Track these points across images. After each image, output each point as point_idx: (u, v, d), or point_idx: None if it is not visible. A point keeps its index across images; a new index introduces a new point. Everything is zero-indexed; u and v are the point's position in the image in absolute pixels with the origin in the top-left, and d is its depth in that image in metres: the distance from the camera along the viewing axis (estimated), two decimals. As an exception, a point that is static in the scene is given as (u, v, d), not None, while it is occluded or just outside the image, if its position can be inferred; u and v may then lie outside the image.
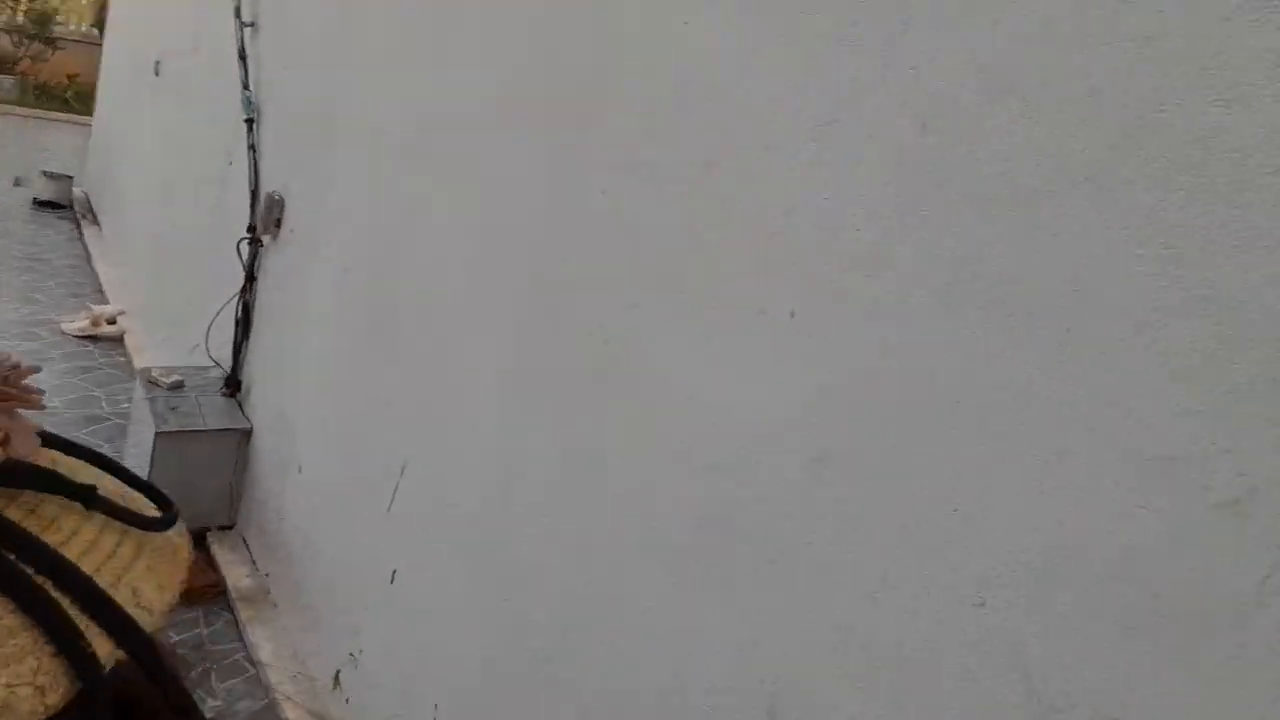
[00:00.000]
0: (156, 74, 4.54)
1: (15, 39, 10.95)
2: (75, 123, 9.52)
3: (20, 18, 11.04)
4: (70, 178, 6.46)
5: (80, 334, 4.10)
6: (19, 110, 9.58)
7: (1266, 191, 0.67)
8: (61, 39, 11.48)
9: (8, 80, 10.39)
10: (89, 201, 6.45)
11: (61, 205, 6.31)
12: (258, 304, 2.79)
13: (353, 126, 2.25)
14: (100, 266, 5.05)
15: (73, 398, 3.50)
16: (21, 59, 10.94)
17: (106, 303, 4.47)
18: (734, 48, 1.12)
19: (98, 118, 6.93)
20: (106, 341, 4.14)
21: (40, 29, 11.06)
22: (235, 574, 2.57)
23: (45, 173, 6.36)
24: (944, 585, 0.86)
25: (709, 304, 1.14)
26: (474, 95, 1.71)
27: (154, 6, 4.87)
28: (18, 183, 6.47)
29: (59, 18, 11.55)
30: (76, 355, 3.91)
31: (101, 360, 3.93)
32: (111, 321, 4.22)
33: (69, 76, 11.08)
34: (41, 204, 6.25)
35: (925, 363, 0.89)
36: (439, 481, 1.75)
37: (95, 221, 5.98)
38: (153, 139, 4.56)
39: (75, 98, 10.62)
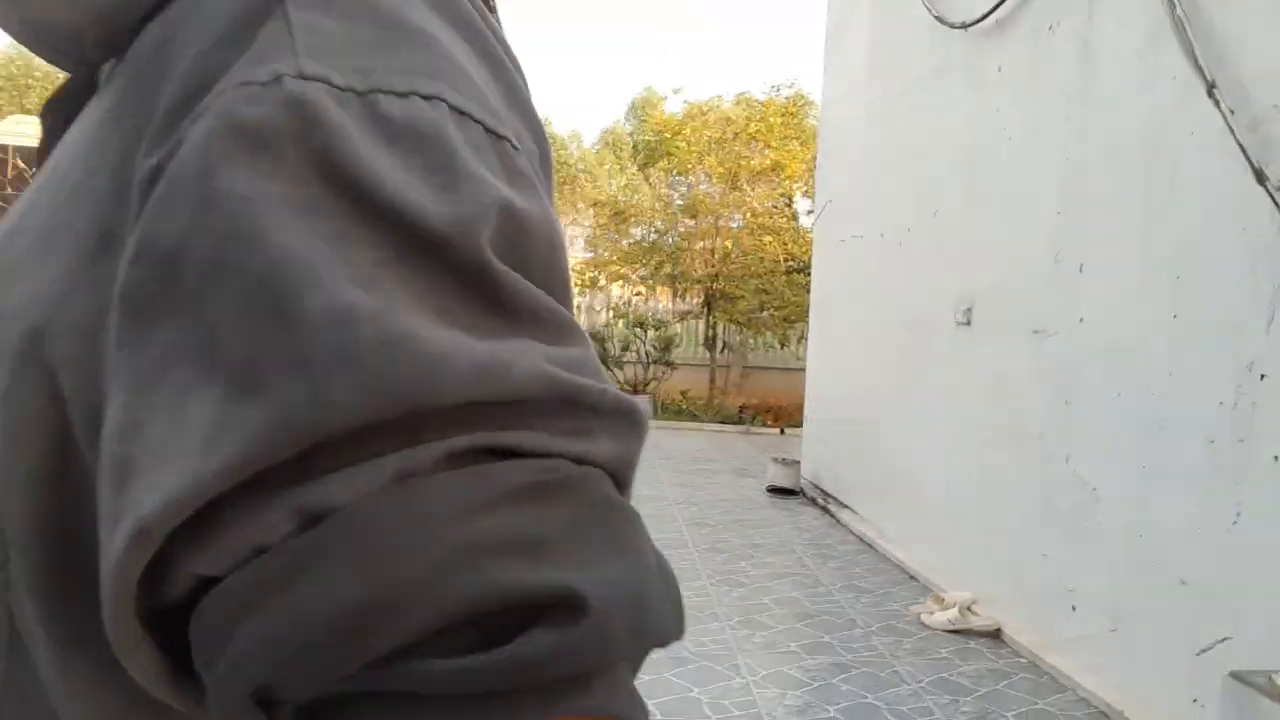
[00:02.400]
0: (966, 323, 4.51)
1: (644, 364, 13.46)
2: (686, 429, 11.93)
3: (648, 346, 13.36)
4: (798, 462, 6.82)
5: (948, 628, 3.77)
6: (652, 425, 11.97)
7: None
8: (677, 362, 13.75)
9: (643, 399, 12.93)
10: (820, 486, 6.62)
11: (793, 491, 6.61)
12: None
13: None
14: (896, 551, 4.91)
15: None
16: (650, 381, 13.44)
17: (936, 591, 4.17)
18: None
19: (816, 410, 7.17)
20: (979, 636, 3.72)
21: (663, 354, 13.43)
22: None
23: (777, 459, 6.81)
24: None
25: None
26: None
27: (931, 264, 4.64)
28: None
29: (677, 344, 13.90)
30: (967, 655, 3.54)
31: (1002, 662, 3.49)
32: (970, 610, 3.85)
33: (682, 393, 13.58)
34: (774, 490, 6.62)
35: None
36: None
37: (841, 505, 6.05)
38: (971, 392, 4.37)
39: (688, 409, 13.03)
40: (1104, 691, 3.10)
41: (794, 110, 14.97)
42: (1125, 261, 3.22)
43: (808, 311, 7.73)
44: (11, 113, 15.79)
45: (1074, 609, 3.40)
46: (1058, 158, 3.68)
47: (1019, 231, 3.97)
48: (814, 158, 10.82)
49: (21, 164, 11.62)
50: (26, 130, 11.73)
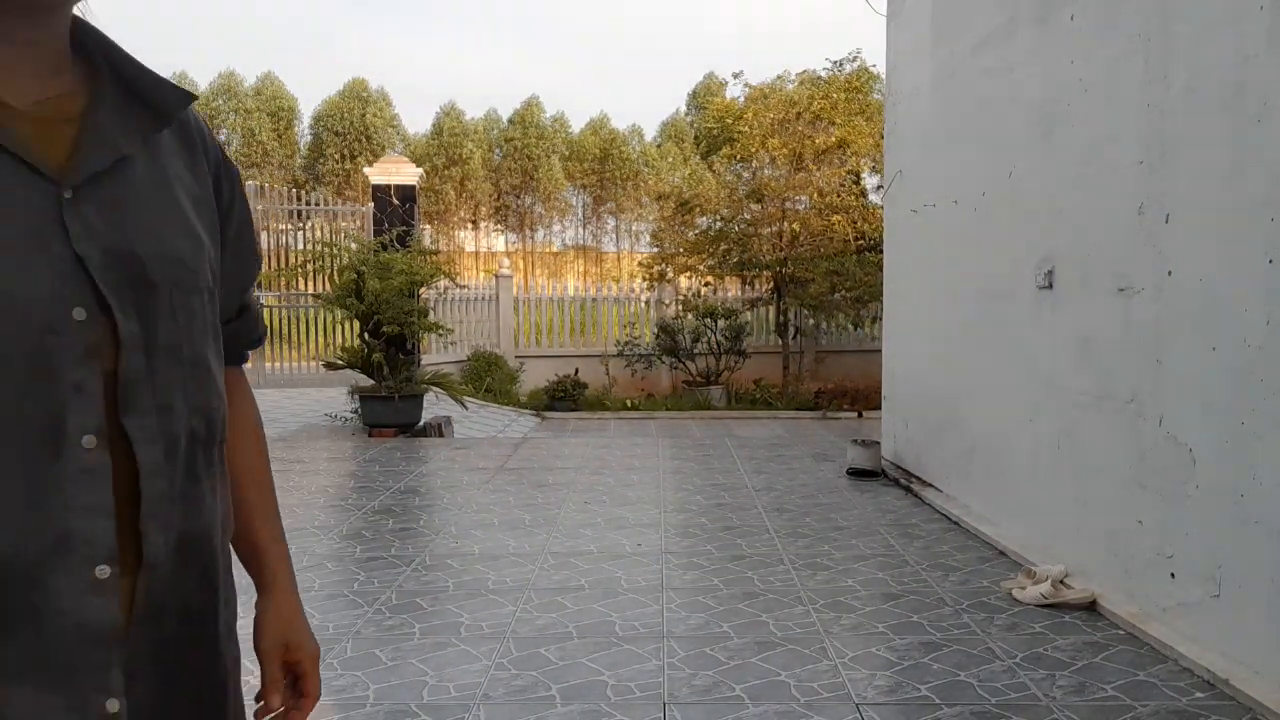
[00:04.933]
0: (1048, 286, 4.35)
1: (716, 355, 13.36)
2: (761, 418, 11.72)
3: (719, 336, 13.35)
4: (878, 443, 6.69)
5: (1041, 602, 3.64)
6: (726, 414, 12.10)
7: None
8: (749, 350, 13.67)
9: (716, 390, 12.95)
10: (902, 466, 6.51)
11: (874, 473, 6.49)
12: None
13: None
14: (983, 528, 4.78)
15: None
16: (722, 371, 13.34)
17: (1026, 566, 4.03)
18: None
19: (895, 388, 6.98)
20: (1073, 609, 3.60)
21: (735, 343, 13.34)
22: None
23: (856, 440, 6.68)
24: None
25: None
26: None
27: (1005, 221, 4.45)
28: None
29: (748, 332, 13.78)
30: (1062, 629, 3.41)
31: (1099, 634, 3.36)
32: (1063, 583, 3.73)
33: (755, 382, 13.30)
34: (855, 473, 6.51)
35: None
36: None
37: (925, 484, 5.92)
38: (1055, 358, 4.22)
39: (761, 397, 12.78)
40: (1207, 660, 2.95)
41: (858, 85, 14.69)
42: (1214, 208, 3.06)
43: (880, 291, 7.56)
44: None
45: (1173, 576, 3.24)
46: (1137, 104, 3.51)
47: (1099, 186, 3.81)
48: (880, 133, 10.58)
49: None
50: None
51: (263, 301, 12.52)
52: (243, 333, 1.06)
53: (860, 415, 11.42)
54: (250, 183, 13.27)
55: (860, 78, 14.90)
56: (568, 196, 27.70)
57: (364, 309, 8.74)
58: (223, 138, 26.08)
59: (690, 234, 14.85)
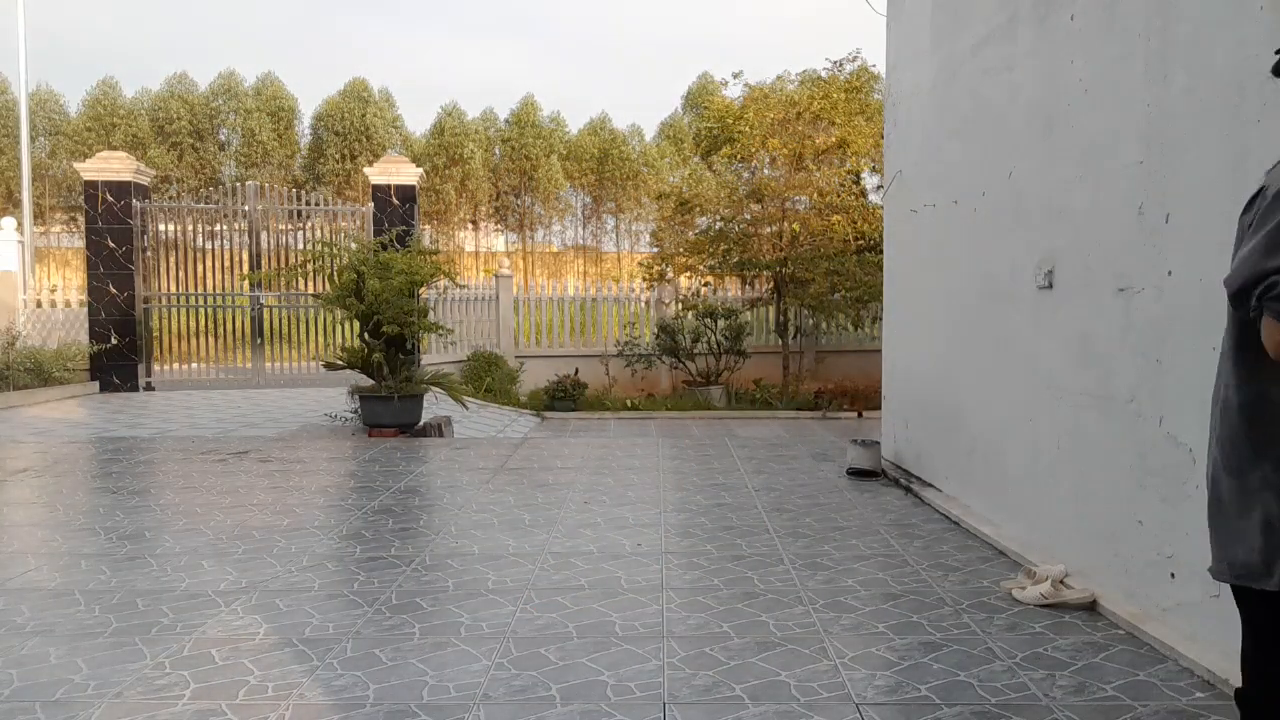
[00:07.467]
0: (1048, 285, 4.35)
1: (716, 355, 13.45)
2: (761, 418, 11.74)
3: (719, 336, 13.46)
4: (878, 443, 6.70)
5: (1041, 602, 3.65)
6: (726, 414, 12.17)
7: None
8: (749, 350, 13.77)
9: (716, 390, 13.02)
10: (902, 466, 6.55)
11: (874, 473, 6.49)
12: None
13: None
14: (983, 528, 4.79)
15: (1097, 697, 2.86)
16: (722, 371, 13.43)
17: (1026, 566, 4.02)
18: None
19: (895, 388, 6.98)
20: (1073, 609, 3.60)
21: (735, 343, 13.43)
22: None
23: (856, 441, 6.69)
24: None
25: None
26: None
27: (1009, 224, 4.39)
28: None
29: (748, 332, 13.93)
30: (1062, 629, 3.42)
31: (1099, 634, 3.36)
32: (1063, 583, 3.73)
33: (755, 382, 13.36)
34: (854, 473, 6.52)
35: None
36: None
37: (925, 484, 5.94)
38: (1055, 358, 4.22)
39: (762, 397, 12.84)
40: (1208, 660, 2.95)
41: (858, 85, 14.69)
42: (1214, 208, 3.06)
43: (880, 291, 7.56)
44: (99, 149, 16.47)
45: (1173, 576, 3.24)
46: (1138, 104, 3.51)
47: (1100, 185, 3.81)
48: (880, 133, 10.57)
49: (110, 198, 12.09)
50: (114, 166, 12.21)
51: (263, 301, 12.64)
52: None
53: (860, 415, 11.43)
54: (250, 183, 13.26)
55: (860, 78, 14.91)
56: (567, 197, 27.69)
57: (364, 309, 8.74)
58: (223, 138, 26.09)
59: (690, 234, 14.86)
